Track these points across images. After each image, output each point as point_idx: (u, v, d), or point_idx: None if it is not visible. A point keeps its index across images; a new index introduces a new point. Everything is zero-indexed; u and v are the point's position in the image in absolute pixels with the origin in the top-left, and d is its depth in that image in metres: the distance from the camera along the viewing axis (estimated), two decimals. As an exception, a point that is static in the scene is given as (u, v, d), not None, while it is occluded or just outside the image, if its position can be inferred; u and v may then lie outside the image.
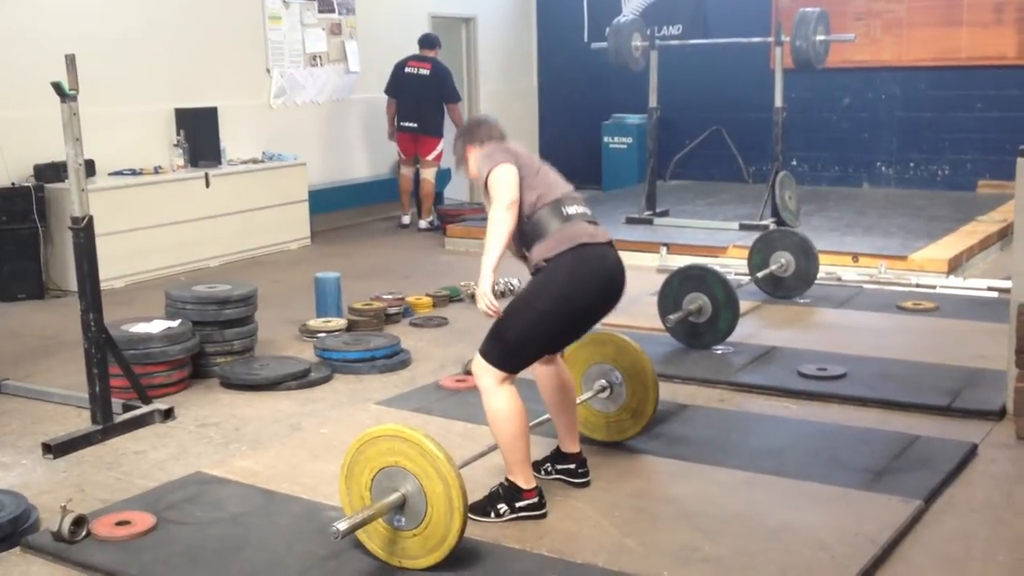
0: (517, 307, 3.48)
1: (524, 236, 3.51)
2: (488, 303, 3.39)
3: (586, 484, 3.79)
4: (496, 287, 3.43)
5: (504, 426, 3.45)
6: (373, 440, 3.23)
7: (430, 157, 10.09)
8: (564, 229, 3.47)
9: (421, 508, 3.15)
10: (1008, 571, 3.23)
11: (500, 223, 3.37)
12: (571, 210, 3.53)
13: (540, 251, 3.47)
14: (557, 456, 3.87)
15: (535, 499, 3.54)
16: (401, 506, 3.18)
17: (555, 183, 3.59)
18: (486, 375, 3.45)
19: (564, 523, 3.52)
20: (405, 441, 3.17)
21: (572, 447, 3.83)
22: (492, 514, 3.53)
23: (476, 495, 3.55)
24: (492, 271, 3.38)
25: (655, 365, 4.15)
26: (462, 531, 3.12)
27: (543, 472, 3.84)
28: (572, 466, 3.82)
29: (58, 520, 3.41)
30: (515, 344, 3.44)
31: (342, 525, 3.04)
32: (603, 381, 4.10)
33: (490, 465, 3.86)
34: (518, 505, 3.52)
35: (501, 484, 3.56)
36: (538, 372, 3.73)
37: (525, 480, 3.53)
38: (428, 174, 10.14)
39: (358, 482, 3.27)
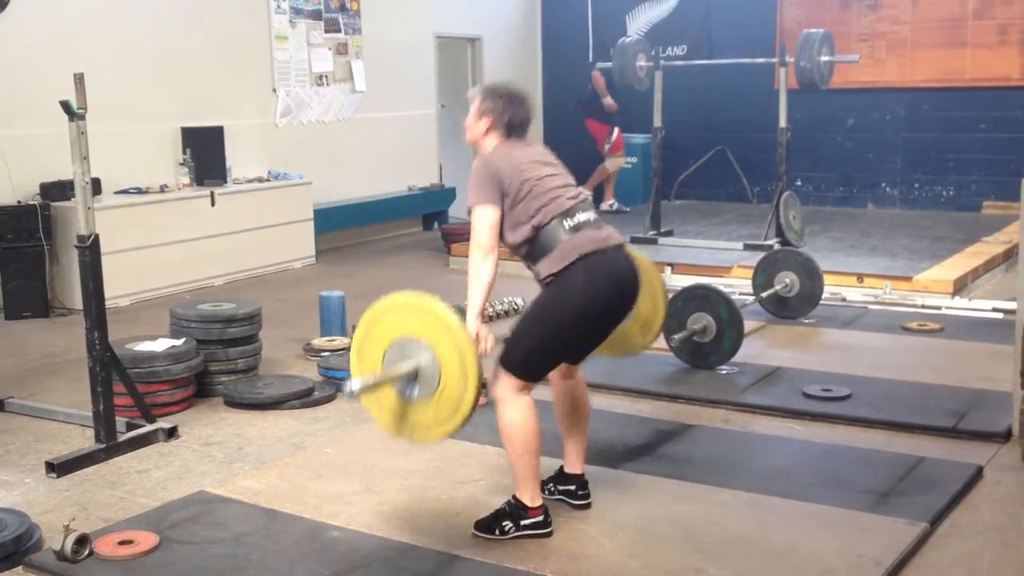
0: (534, 315, 3.46)
1: (531, 253, 3.49)
2: (480, 348, 3.33)
3: (586, 507, 3.77)
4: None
5: (515, 438, 3.43)
6: (385, 311, 3.20)
7: (606, 147, 11.13)
8: (570, 241, 3.43)
9: (434, 377, 3.12)
10: (1014, 594, 3.22)
11: (478, 277, 3.36)
12: (578, 219, 3.49)
13: (547, 266, 3.44)
14: (560, 476, 3.85)
15: (540, 517, 3.53)
16: (414, 377, 3.15)
17: (559, 191, 3.52)
18: (503, 384, 3.43)
19: (568, 544, 3.51)
20: (417, 309, 3.13)
21: (576, 468, 3.82)
22: (497, 531, 3.52)
23: (479, 515, 3.57)
24: (477, 319, 3.36)
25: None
26: (475, 401, 3.09)
27: (547, 491, 3.82)
28: (572, 487, 3.80)
29: (61, 539, 3.40)
30: (533, 352, 3.42)
31: (355, 385, 2.99)
32: None
33: (493, 484, 3.86)
34: (523, 523, 3.51)
35: (508, 502, 3.56)
36: (555, 387, 3.72)
37: (531, 498, 3.52)
38: (608, 163, 11.24)
39: (371, 357, 3.24)
